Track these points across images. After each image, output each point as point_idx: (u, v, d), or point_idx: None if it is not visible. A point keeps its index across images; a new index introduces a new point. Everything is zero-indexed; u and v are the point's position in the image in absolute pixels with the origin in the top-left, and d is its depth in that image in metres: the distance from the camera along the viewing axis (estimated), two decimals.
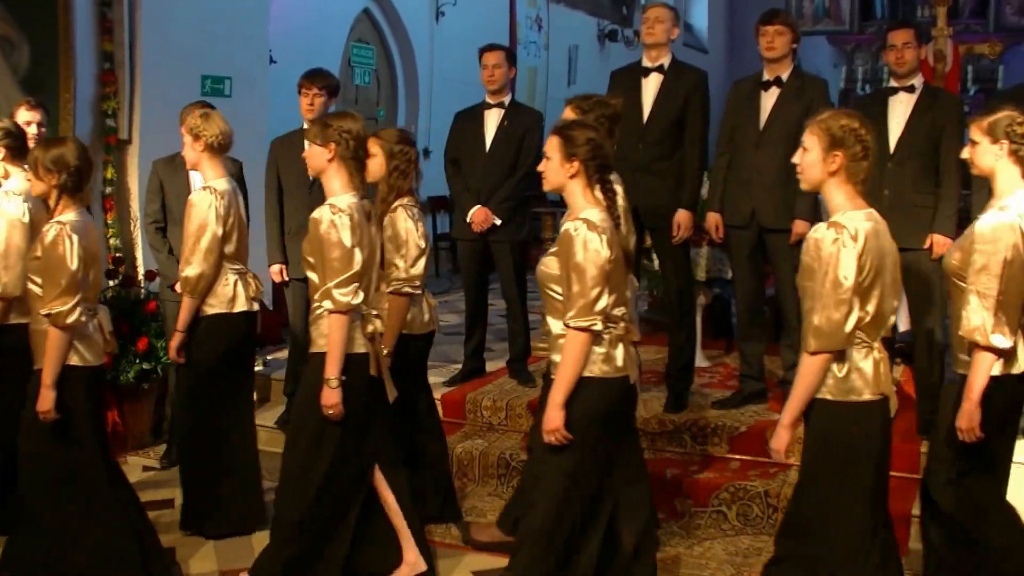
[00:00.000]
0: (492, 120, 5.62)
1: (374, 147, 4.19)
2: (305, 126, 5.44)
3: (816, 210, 4.97)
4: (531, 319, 5.91)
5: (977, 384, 3.27)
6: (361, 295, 3.68)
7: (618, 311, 3.37)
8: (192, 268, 4.28)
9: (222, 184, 4.37)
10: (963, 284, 3.32)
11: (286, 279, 5.52)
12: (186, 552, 4.37)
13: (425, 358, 4.57)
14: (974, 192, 4.63)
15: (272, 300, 6.91)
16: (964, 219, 4.68)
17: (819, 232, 3.07)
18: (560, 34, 13.19)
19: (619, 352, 3.35)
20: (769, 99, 4.94)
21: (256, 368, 6.17)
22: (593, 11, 14.24)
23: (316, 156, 3.77)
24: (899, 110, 4.77)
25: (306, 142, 3.92)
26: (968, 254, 3.30)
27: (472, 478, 5.07)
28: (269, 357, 6.44)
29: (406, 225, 4.19)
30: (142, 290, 5.80)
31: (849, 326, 3.03)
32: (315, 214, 3.69)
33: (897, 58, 4.79)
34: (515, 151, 5.56)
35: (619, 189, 3.63)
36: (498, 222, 5.52)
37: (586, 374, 3.29)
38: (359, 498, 3.87)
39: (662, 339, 5.67)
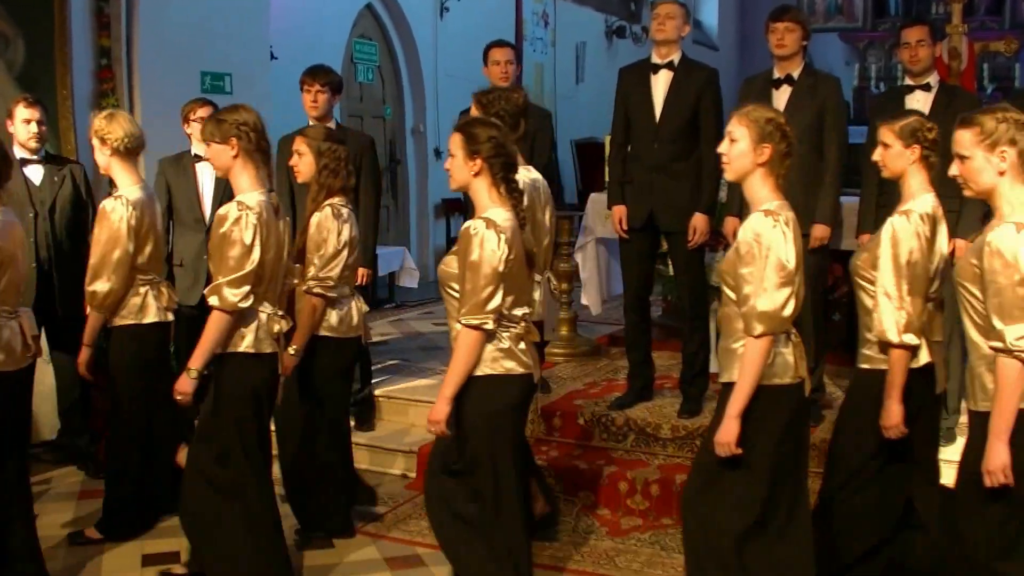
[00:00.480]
0: None
1: (301, 146, 4.26)
2: (310, 123, 5.46)
3: (837, 213, 4.98)
4: None
5: (897, 381, 3.45)
6: (251, 299, 3.66)
7: (518, 311, 3.46)
8: (101, 283, 4.21)
9: (135, 192, 4.28)
10: (867, 284, 3.53)
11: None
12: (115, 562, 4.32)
13: (351, 364, 4.56)
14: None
15: None
16: (984, 222, 4.68)
17: (755, 220, 3.20)
18: (567, 30, 13.20)
19: (519, 351, 3.44)
20: (781, 97, 4.92)
21: None
22: (601, 7, 14.23)
23: (219, 154, 3.75)
24: (916, 108, 4.75)
25: (203, 143, 3.92)
26: (874, 256, 3.48)
27: None
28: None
29: (328, 225, 4.20)
30: None
31: (790, 309, 3.18)
32: (222, 210, 3.71)
33: (911, 56, 4.78)
34: (527, 151, 5.55)
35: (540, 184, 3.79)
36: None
37: (484, 372, 3.38)
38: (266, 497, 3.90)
39: (676, 345, 5.66)
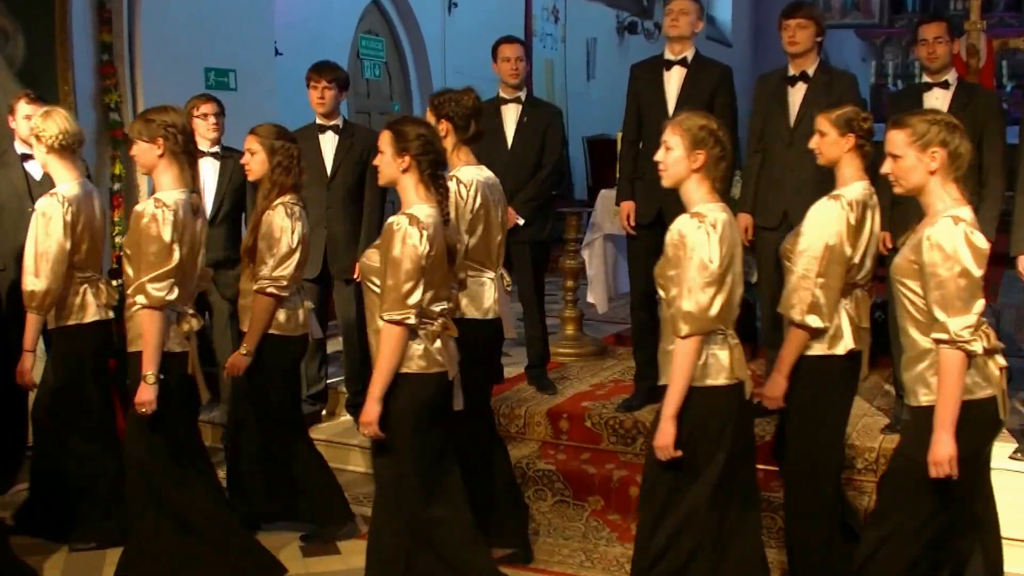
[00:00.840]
0: (510, 116, 5.59)
1: (253, 144, 4.28)
2: (317, 120, 5.45)
3: None
4: (549, 323, 5.90)
5: (788, 359, 3.60)
6: (176, 292, 3.73)
7: (437, 307, 3.54)
8: (38, 282, 4.19)
9: (72, 189, 4.28)
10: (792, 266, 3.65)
11: None
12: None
13: (298, 361, 4.57)
14: (1017, 193, 4.59)
15: None
16: (1005, 222, 4.66)
17: (682, 222, 3.31)
18: (578, 26, 13.17)
19: (436, 348, 3.52)
20: (797, 95, 4.90)
21: None
22: (612, 2, 14.20)
23: (145, 153, 3.83)
24: (935, 107, 4.71)
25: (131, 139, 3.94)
26: (798, 237, 3.62)
27: None
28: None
29: (282, 224, 4.21)
30: None
31: (714, 309, 3.26)
32: (138, 207, 3.78)
33: (929, 53, 4.76)
34: (538, 148, 5.54)
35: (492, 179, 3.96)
36: (521, 222, 5.49)
37: (404, 370, 3.45)
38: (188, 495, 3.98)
39: None
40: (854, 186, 3.66)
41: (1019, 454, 4.62)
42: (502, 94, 5.65)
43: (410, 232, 3.37)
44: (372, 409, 3.43)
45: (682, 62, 5.09)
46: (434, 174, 3.52)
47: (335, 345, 5.94)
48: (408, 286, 3.36)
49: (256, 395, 4.36)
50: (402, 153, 3.47)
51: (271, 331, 4.27)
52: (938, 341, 3.04)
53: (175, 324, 3.83)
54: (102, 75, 6.15)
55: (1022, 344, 5.01)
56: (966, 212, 3.11)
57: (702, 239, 3.25)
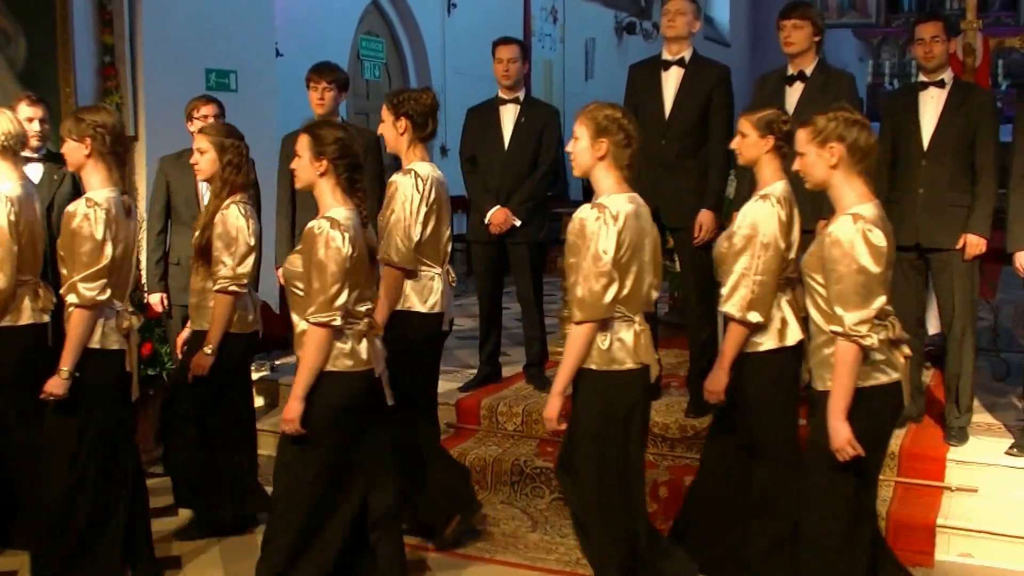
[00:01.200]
0: (508, 116, 5.57)
1: (203, 143, 4.29)
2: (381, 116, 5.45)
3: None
4: (548, 323, 5.89)
5: (729, 354, 3.69)
6: (108, 291, 3.73)
7: (362, 307, 3.57)
8: None
9: (15, 190, 4.21)
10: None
11: None
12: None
13: (247, 357, 4.57)
14: (1011, 191, 4.59)
15: (279, 303, 6.91)
16: (999, 219, 4.66)
17: (583, 212, 3.39)
18: (576, 27, 13.16)
19: (363, 347, 3.54)
20: (794, 94, 4.89)
21: (263, 373, 6.20)
22: (610, 3, 14.19)
23: (73, 152, 3.83)
24: (930, 106, 4.72)
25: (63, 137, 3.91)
26: (733, 238, 3.71)
27: (484, 485, 5.03)
28: (277, 362, 6.43)
29: (237, 223, 4.22)
30: (144, 294, 5.79)
31: (608, 298, 3.35)
32: (70, 208, 3.77)
33: (925, 52, 4.74)
34: (534, 148, 5.53)
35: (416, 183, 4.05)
36: (518, 223, 5.48)
37: (329, 368, 3.47)
38: (121, 495, 3.93)
39: (683, 342, 5.64)
40: (777, 185, 3.73)
41: (1015, 450, 4.60)
42: (500, 95, 5.63)
43: (332, 235, 3.39)
44: (295, 407, 3.44)
45: (680, 62, 5.08)
46: (351, 177, 3.55)
47: None
48: (334, 289, 3.40)
49: (203, 391, 4.33)
50: (319, 157, 3.49)
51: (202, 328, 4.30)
52: (835, 333, 3.14)
53: (113, 322, 3.81)
54: (103, 76, 6.14)
55: (1021, 339, 4.99)
56: (868, 209, 3.17)
57: (600, 230, 3.34)
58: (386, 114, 4.20)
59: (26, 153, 4.83)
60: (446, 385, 5.88)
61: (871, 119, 5.06)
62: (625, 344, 3.45)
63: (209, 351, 4.24)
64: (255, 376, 6.11)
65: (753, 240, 3.62)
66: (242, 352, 4.47)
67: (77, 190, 5.07)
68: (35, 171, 4.94)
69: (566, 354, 3.44)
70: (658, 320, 5.46)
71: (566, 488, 3.75)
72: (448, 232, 4.31)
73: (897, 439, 4.76)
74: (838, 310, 3.12)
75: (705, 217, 5.01)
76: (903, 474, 4.65)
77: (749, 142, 3.81)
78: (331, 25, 9.02)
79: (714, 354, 5.31)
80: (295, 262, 3.53)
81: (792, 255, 3.71)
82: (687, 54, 5.09)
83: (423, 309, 4.20)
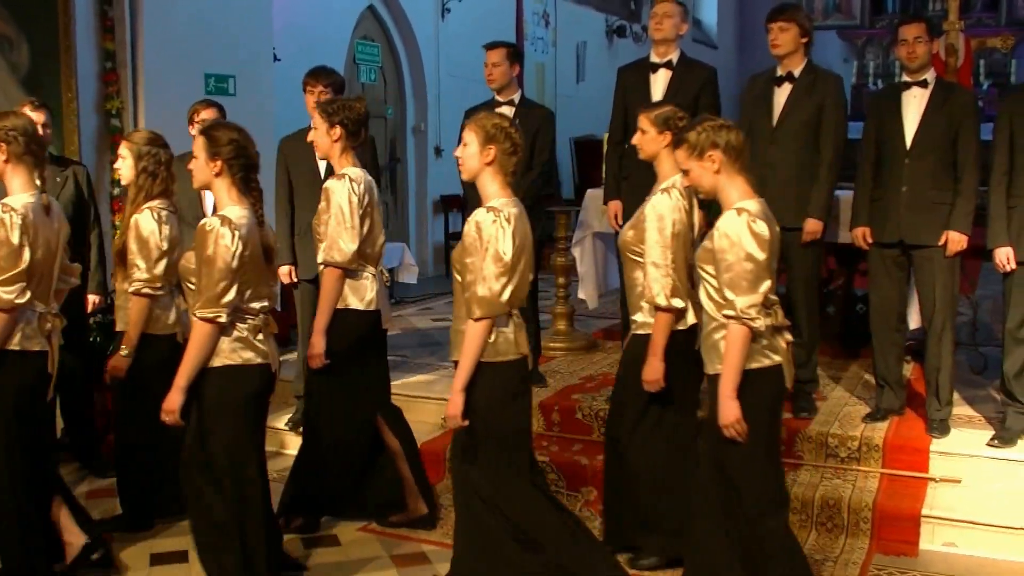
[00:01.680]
0: None
1: (124, 150, 4.34)
2: (313, 124, 5.44)
3: (830, 208, 4.98)
4: (541, 319, 5.91)
5: (660, 341, 3.85)
6: (28, 294, 3.69)
7: (256, 304, 3.62)
8: None
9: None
10: (636, 258, 3.96)
11: (295, 280, 5.51)
12: None
13: (172, 358, 4.49)
14: (991, 189, 4.62)
15: (281, 302, 6.91)
16: (980, 216, 4.69)
17: (479, 215, 3.50)
18: (568, 30, 13.18)
19: (257, 341, 3.61)
20: (782, 94, 4.93)
21: None
22: (601, 7, 14.21)
23: None
24: (913, 105, 4.75)
25: None
26: (641, 231, 3.91)
27: None
28: (280, 359, 6.43)
29: (149, 227, 4.26)
30: None
31: (506, 295, 3.48)
32: None
33: (909, 52, 4.77)
34: (529, 149, 5.53)
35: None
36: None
37: (222, 363, 3.55)
38: (39, 492, 3.88)
39: None
40: (676, 177, 3.88)
41: (996, 441, 4.64)
42: (496, 97, 5.65)
43: (222, 232, 3.44)
44: (175, 398, 3.51)
45: (667, 64, 5.11)
46: (246, 177, 3.61)
47: None
48: (222, 285, 3.45)
49: (130, 394, 4.34)
50: (214, 157, 3.55)
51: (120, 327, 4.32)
52: (727, 317, 3.28)
53: (35, 324, 3.77)
54: (105, 82, 6.16)
55: (999, 334, 5.03)
56: (751, 204, 3.34)
57: (498, 232, 3.45)
58: (319, 122, 4.28)
59: None
60: (441, 380, 5.91)
61: (855, 119, 5.15)
62: (508, 337, 3.57)
63: (125, 353, 4.27)
64: None
65: (663, 231, 3.82)
66: (164, 353, 4.37)
67: (80, 192, 5.12)
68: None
69: (465, 351, 3.52)
70: None
71: (457, 478, 3.79)
72: (382, 237, 4.43)
73: (881, 431, 4.80)
74: (729, 295, 3.26)
75: (697, 216, 5.02)
76: (887, 465, 4.68)
77: (648, 138, 4.01)
78: (328, 30, 9.03)
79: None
80: (190, 258, 3.60)
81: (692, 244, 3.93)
82: (674, 56, 5.11)
83: (361, 307, 4.30)
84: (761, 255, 3.26)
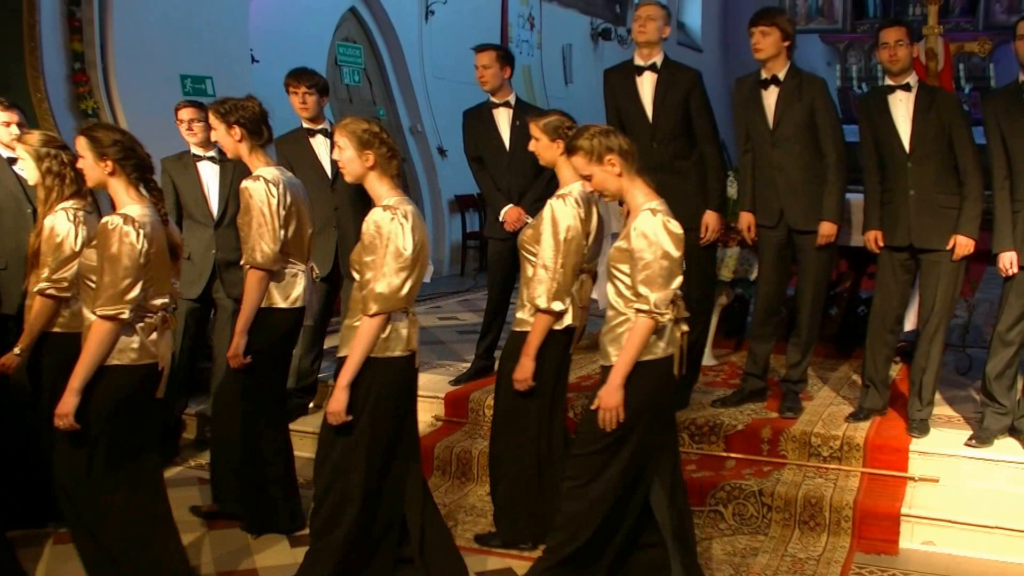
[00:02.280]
0: (503, 119, 5.61)
1: (21, 151, 4.30)
2: (304, 124, 5.43)
3: (843, 211, 4.99)
4: None
5: (534, 342, 4.01)
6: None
7: (158, 301, 3.64)
8: None
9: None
10: (531, 257, 4.07)
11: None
12: None
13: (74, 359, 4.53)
14: (995, 193, 4.62)
15: None
16: (987, 220, 4.69)
17: (376, 214, 3.56)
18: (553, 33, 13.17)
19: (152, 339, 3.60)
20: (771, 97, 4.94)
21: None
22: (586, 9, 14.22)
23: None
24: (901, 109, 4.75)
25: None
26: (538, 232, 4.04)
27: (471, 477, 5.06)
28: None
29: (62, 228, 4.19)
30: None
31: (405, 291, 3.55)
32: None
33: (890, 56, 4.78)
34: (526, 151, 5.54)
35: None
36: (530, 221, 5.49)
37: (115, 362, 3.51)
38: None
39: None
40: (575, 185, 4.00)
41: (974, 441, 4.65)
42: (491, 99, 5.65)
43: (125, 230, 3.44)
44: (70, 400, 3.43)
45: (652, 67, 5.10)
46: (141, 177, 3.61)
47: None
48: (126, 283, 3.44)
49: (39, 397, 4.21)
50: (103, 158, 3.54)
51: (55, 328, 4.20)
52: (639, 311, 3.37)
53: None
54: (75, 83, 6.07)
55: (989, 336, 5.04)
56: (658, 204, 3.45)
57: (396, 229, 3.51)
58: (217, 123, 4.26)
59: (9, 154, 4.82)
60: (437, 379, 5.89)
61: (844, 122, 5.15)
62: (401, 334, 3.61)
63: (18, 351, 4.19)
64: None
65: (557, 236, 3.96)
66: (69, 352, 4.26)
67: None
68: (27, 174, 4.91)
69: (355, 346, 3.54)
70: None
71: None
72: (311, 230, 4.44)
73: (862, 431, 4.81)
74: (643, 291, 3.35)
75: (711, 218, 5.07)
76: (868, 465, 4.69)
77: (542, 145, 4.14)
78: (307, 31, 8.99)
79: (701, 351, 5.39)
80: (90, 256, 3.58)
81: (587, 250, 4.06)
82: (658, 59, 5.11)
83: (284, 305, 4.32)
84: (676, 252, 3.38)
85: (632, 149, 3.49)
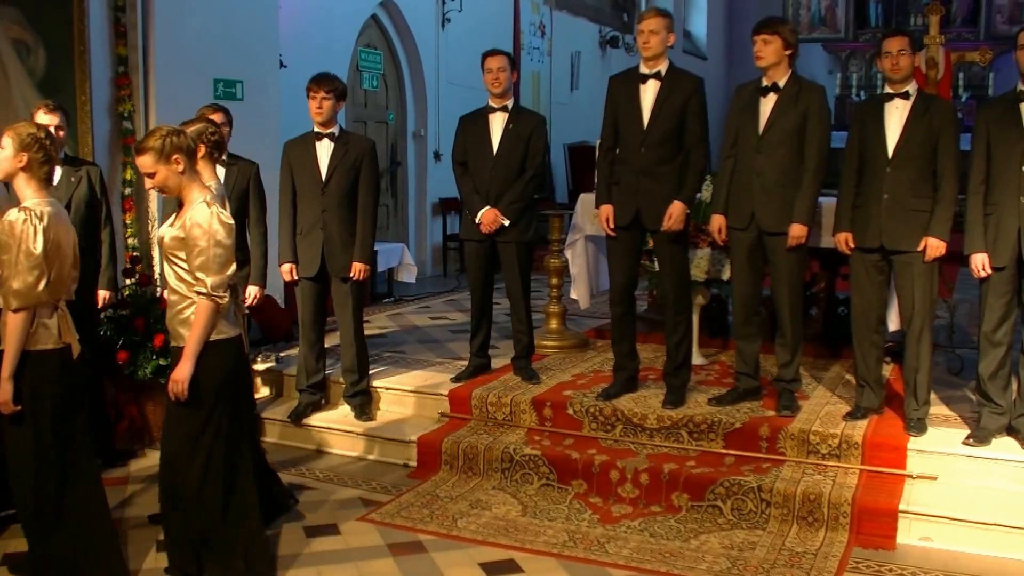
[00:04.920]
0: (497, 123, 5.59)
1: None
2: (315, 128, 5.44)
3: (814, 214, 4.99)
4: (535, 318, 5.91)
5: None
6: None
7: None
8: None
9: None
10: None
11: (295, 278, 5.52)
12: None
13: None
14: (968, 197, 4.62)
15: (283, 298, 6.91)
16: (958, 223, 4.69)
17: (12, 215, 3.60)
18: (563, 40, 13.18)
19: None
20: (768, 104, 4.93)
21: (269, 364, 6.20)
22: (595, 18, 14.23)
23: None
24: (895, 116, 4.75)
25: None
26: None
27: (476, 472, 5.06)
28: (282, 354, 6.42)
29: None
30: (158, 288, 5.80)
31: (40, 287, 3.58)
32: None
33: (892, 65, 4.77)
34: (522, 153, 5.55)
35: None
36: (506, 223, 5.51)
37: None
38: None
39: (660, 338, 5.67)
40: (211, 183, 4.10)
41: (971, 440, 4.64)
42: (490, 103, 5.64)
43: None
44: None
45: (656, 76, 5.09)
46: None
47: (333, 339, 5.93)
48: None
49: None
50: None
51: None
52: (199, 294, 3.62)
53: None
54: (118, 86, 6.15)
55: (974, 336, 5.03)
56: (211, 198, 3.68)
57: (28, 230, 3.55)
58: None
59: None
60: (438, 376, 5.91)
61: (838, 128, 5.15)
62: (49, 328, 3.65)
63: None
64: (261, 367, 6.13)
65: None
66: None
67: (92, 191, 5.11)
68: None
69: (8, 341, 3.58)
70: (637, 316, 5.52)
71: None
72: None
73: (860, 429, 4.80)
74: (201, 275, 3.61)
75: (675, 208, 5.03)
76: (867, 462, 4.67)
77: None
78: (333, 38, 9.02)
79: (689, 350, 5.39)
80: None
81: None
82: (663, 68, 5.10)
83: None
84: (228, 241, 3.65)
85: (192, 146, 3.71)
